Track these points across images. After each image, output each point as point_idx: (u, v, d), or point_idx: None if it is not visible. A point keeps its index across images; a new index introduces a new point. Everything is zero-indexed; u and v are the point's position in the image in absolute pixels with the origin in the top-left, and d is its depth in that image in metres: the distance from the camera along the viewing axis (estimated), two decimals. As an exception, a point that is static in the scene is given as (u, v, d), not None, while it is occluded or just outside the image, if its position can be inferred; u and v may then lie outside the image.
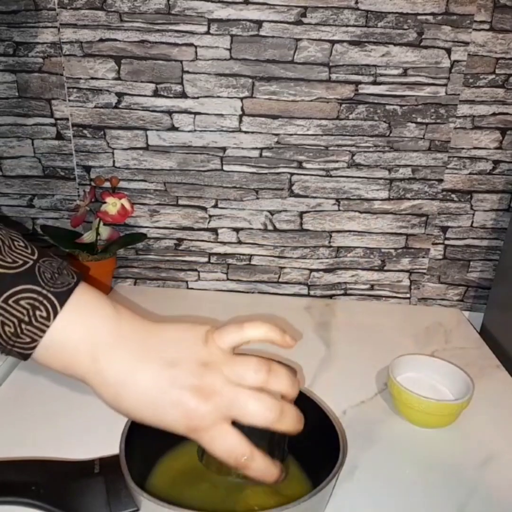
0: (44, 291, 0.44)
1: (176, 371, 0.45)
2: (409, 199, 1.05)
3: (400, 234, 1.08)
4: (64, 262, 0.47)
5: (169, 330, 0.49)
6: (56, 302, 0.44)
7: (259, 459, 0.46)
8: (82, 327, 0.45)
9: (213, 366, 0.46)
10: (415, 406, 0.72)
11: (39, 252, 0.46)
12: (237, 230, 1.09)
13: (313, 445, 0.61)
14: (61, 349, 0.45)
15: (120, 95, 0.99)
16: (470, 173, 1.03)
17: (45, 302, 0.44)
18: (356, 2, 0.92)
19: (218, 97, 0.99)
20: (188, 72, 0.97)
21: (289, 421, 0.47)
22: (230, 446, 0.45)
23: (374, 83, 0.97)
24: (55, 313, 0.44)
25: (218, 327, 0.50)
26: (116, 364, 0.45)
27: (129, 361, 0.45)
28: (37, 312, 0.43)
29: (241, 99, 0.99)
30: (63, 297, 0.45)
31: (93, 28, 0.95)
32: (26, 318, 0.43)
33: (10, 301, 0.43)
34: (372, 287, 1.13)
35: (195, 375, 0.45)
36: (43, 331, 0.44)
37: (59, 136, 1.03)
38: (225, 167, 1.04)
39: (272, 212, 1.07)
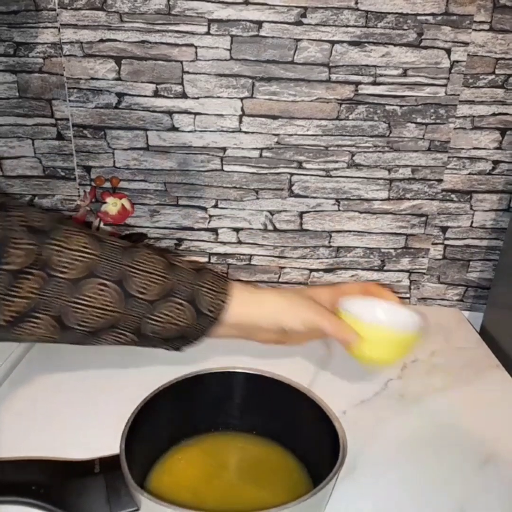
0: (216, 272, 0.60)
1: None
2: (408, 199, 1.05)
3: (400, 234, 1.08)
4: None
5: None
6: (224, 276, 0.60)
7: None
8: (243, 285, 0.61)
9: None
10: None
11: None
12: (237, 230, 1.09)
13: (313, 445, 0.62)
14: (240, 299, 0.59)
15: (120, 95, 0.99)
16: (469, 173, 1.03)
17: (220, 278, 0.59)
18: (356, 3, 0.92)
19: (218, 97, 0.99)
20: (188, 72, 0.97)
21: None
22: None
23: (374, 83, 0.97)
24: (228, 280, 0.60)
25: None
26: (271, 296, 0.62)
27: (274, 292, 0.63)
28: (219, 283, 0.58)
29: (241, 99, 0.99)
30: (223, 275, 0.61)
31: (94, 29, 0.95)
32: (215, 288, 0.58)
33: (204, 280, 0.57)
34: (372, 287, 1.13)
35: None
36: (229, 293, 0.58)
37: (59, 137, 1.03)
38: (225, 167, 1.04)
39: (272, 212, 1.07)
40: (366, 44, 0.95)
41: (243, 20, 0.94)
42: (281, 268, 1.12)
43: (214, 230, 1.09)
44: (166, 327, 0.55)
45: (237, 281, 0.62)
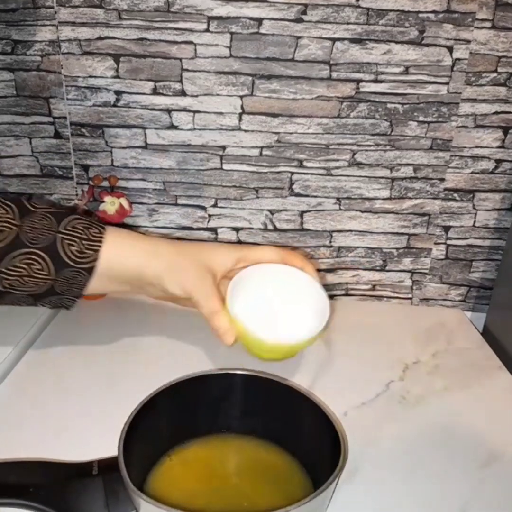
0: (88, 219, 0.56)
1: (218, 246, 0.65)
2: (410, 198, 1.05)
3: (402, 233, 1.07)
4: None
5: None
6: (101, 223, 0.57)
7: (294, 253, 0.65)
8: (127, 234, 0.59)
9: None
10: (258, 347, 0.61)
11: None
12: (237, 229, 1.08)
13: (314, 447, 0.61)
14: (120, 249, 0.56)
15: (118, 93, 0.98)
16: (472, 172, 1.02)
17: (94, 224, 0.56)
18: (357, 0, 0.91)
19: (218, 95, 0.98)
20: (187, 70, 0.96)
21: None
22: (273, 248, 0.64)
23: (375, 81, 0.96)
24: (104, 230, 0.56)
25: None
26: (166, 242, 0.61)
27: (169, 243, 0.61)
28: (91, 230, 0.55)
29: (241, 97, 0.98)
30: (105, 225, 0.57)
31: (92, 26, 0.94)
32: (84, 236, 0.54)
33: (68, 226, 0.54)
34: (373, 287, 1.12)
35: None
36: (101, 242, 0.55)
37: (57, 135, 1.02)
38: (225, 166, 1.03)
39: (272, 212, 1.06)
40: (367, 42, 0.94)
41: (243, 17, 0.93)
42: (282, 268, 1.11)
43: (214, 230, 1.08)
44: (22, 281, 0.53)
45: (121, 228, 0.59)
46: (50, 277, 0.53)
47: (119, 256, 0.56)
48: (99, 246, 0.54)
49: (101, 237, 0.55)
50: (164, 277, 0.57)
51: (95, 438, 0.63)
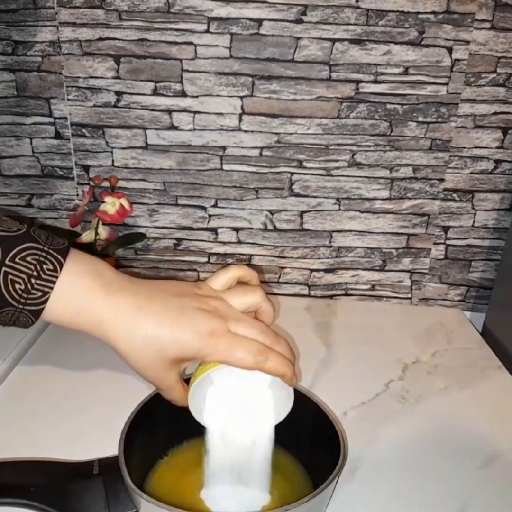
0: (46, 248, 0.47)
1: (184, 299, 0.50)
2: (410, 198, 1.05)
3: (401, 234, 1.07)
4: (50, 229, 0.51)
5: (164, 281, 0.54)
6: (59, 256, 0.47)
7: (275, 354, 0.50)
8: (88, 275, 0.48)
9: (212, 297, 0.52)
10: None
11: (27, 223, 0.49)
12: (237, 229, 1.08)
13: (313, 446, 0.61)
14: (72, 298, 0.47)
15: (119, 94, 0.98)
16: (471, 173, 1.03)
17: (49, 256, 0.46)
18: (357, 1, 0.92)
19: (218, 96, 0.98)
20: (187, 70, 0.97)
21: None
22: (247, 346, 0.49)
23: (375, 82, 0.97)
24: (61, 265, 0.46)
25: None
26: (129, 297, 0.48)
27: (138, 298, 0.49)
28: (44, 266, 0.46)
29: (241, 98, 0.98)
30: (64, 252, 0.47)
31: (92, 27, 0.94)
32: (35, 273, 0.45)
33: (16, 259, 0.45)
34: (373, 287, 1.13)
35: (201, 302, 0.50)
36: (53, 283, 0.46)
37: (57, 135, 1.02)
38: (225, 167, 1.03)
39: (272, 212, 1.07)
40: (367, 42, 0.94)
41: (243, 18, 0.93)
42: (281, 268, 1.12)
43: (214, 230, 1.09)
44: None
45: (86, 259, 0.49)
46: None
47: (70, 305, 0.47)
48: (50, 288, 0.46)
49: (55, 276, 0.46)
50: (119, 349, 0.48)
51: (95, 437, 0.63)
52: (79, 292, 0.47)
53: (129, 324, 0.47)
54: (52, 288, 0.46)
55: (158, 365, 0.49)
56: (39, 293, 0.46)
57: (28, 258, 0.45)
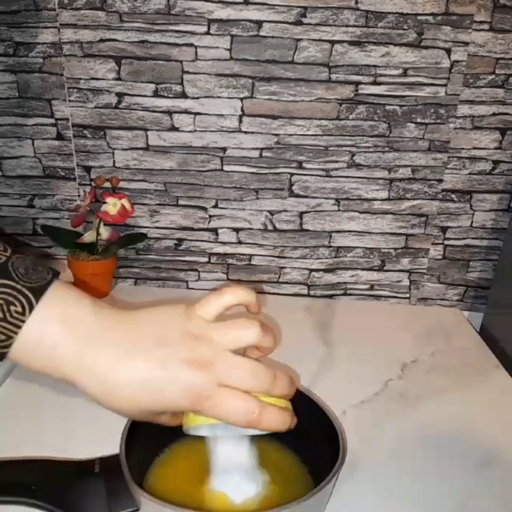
0: (19, 286, 0.42)
1: (166, 349, 0.44)
2: (409, 199, 1.05)
3: (400, 234, 1.08)
4: (38, 259, 0.46)
5: (149, 313, 0.48)
6: (31, 296, 0.42)
7: (269, 411, 0.45)
8: (60, 321, 0.43)
9: (202, 337, 0.45)
10: None
11: (12, 249, 0.44)
12: (237, 230, 1.09)
13: (313, 445, 0.61)
14: (39, 345, 0.43)
15: (120, 95, 0.99)
16: (470, 173, 1.03)
17: (19, 297, 0.42)
18: (356, 2, 0.92)
19: (218, 97, 0.99)
20: (188, 72, 0.97)
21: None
22: (238, 407, 0.44)
23: (374, 83, 0.97)
24: (31, 308, 0.42)
25: (195, 302, 0.49)
26: (103, 355, 0.43)
27: (116, 349, 0.44)
28: (12, 308, 0.42)
29: (241, 99, 0.99)
30: (39, 292, 0.43)
31: (93, 28, 0.95)
32: (0, 315, 0.41)
33: None
34: (372, 287, 1.13)
35: (186, 348, 0.44)
36: (19, 327, 0.42)
37: (59, 136, 1.03)
38: (225, 167, 1.04)
39: (272, 212, 1.07)
40: (366, 44, 0.95)
41: (243, 20, 0.94)
42: (281, 268, 1.12)
43: (214, 230, 1.09)
44: None
45: (63, 298, 0.44)
46: None
47: (37, 355, 0.43)
48: (14, 333, 0.42)
49: (22, 320, 0.42)
50: (102, 405, 0.46)
51: (96, 436, 0.63)
52: (45, 344, 0.43)
53: (106, 384, 0.44)
54: (16, 333, 0.42)
55: (143, 415, 0.47)
56: (3, 337, 0.42)
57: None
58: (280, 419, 0.46)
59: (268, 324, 0.49)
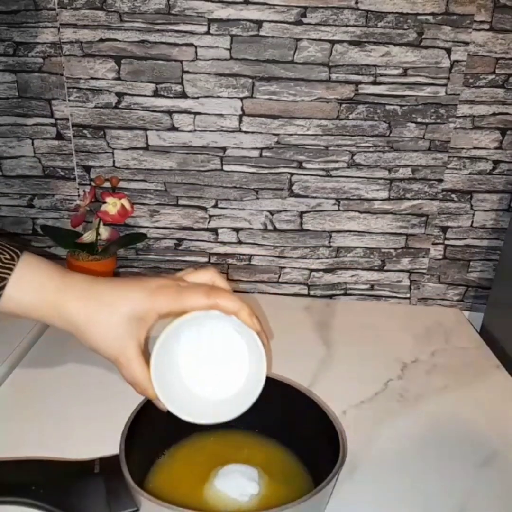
0: (2, 243, 0.51)
1: (134, 277, 0.55)
2: (409, 199, 1.05)
3: (400, 234, 1.08)
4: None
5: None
6: (15, 249, 0.51)
7: (222, 291, 0.53)
8: (44, 262, 0.52)
9: (170, 278, 0.57)
10: None
11: None
12: (237, 230, 1.09)
13: (313, 445, 0.62)
14: (30, 281, 0.50)
15: (120, 95, 0.99)
16: (470, 173, 1.03)
17: (6, 249, 0.50)
18: (356, 2, 0.92)
19: (218, 97, 0.99)
20: (188, 72, 0.97)
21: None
22: (196, 288, 0.53)
23: (374, 83, 0.97)
24: (18, 256, 0.50)
25: None
26: (83, 276, 0.53)
27: (91, 279, 0.53)
28: (1, 256, 0.49)
29: (241, 99, 0.99)
30: (19, 249, 0.51)
31: (93, 28, 0.95)
32: None
33: None
34: (372, 287, 1.13)
35: (157, 278, 0.55)
36: (11, 269, 0.49)
37: (59, 136, 1.03)
38: (225, 167, 1.04)
39: (272, 212, 1.07)
40: (366, 44, 0.95)
41: (243, 20, 0.94)
42: (281, 268, 1.12)
43: (214, 230, 1.09)
44: None
45: (35, 257, 0.52)
46: None
47: (27, 291, 0.50)
48: (8, 274, 0.49)
49: (12, 264, 0.49)
50: (76, 332, 0.51)
51: (96, 436, 0.63)
52: (36, 278, 0.50)
53: (84, 293, 0.51)
54: (9, 274, 0.49)
55: (117, 331, 0.51)
56: None
57: None
58: (238, 302, 0.52)
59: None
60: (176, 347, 0.55)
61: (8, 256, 0.50)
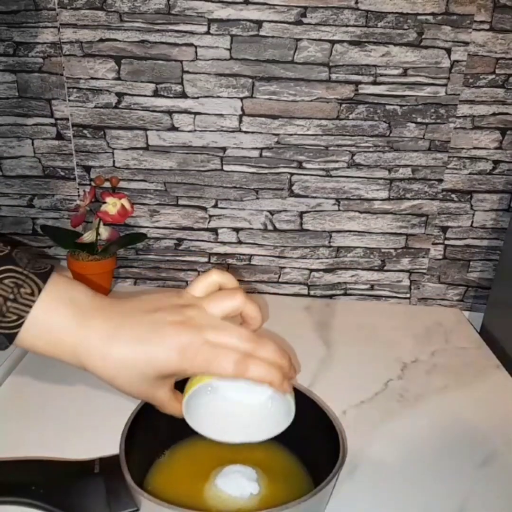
0: (25, 271, 0.46)
1: (155, 315, 0.48)
2: (409, 199, 1.05)
3: (400, 234, 1.08)
4: (35, 253, 0.50)
5: (142, 297, 0.52)
6: (38, 280, 0.46)
7: (255, 359, 0.47)
8: (64, 300, 0.47)
9: (191, 305, 0.49)
10: None
11: (11, 244, 0.48)
12: (237, 230, 1.09)
13: (313, 445, 0.62)
14: (46, 324, 0.46)
15: (120, 95, 0.99)
16: (470, 173, 1.03)
17: (27, 280, 0.46)
18: (356, 2, 0.92)
19: (218, 97, 0.99)
20: (188, 72, 0.97)
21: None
22: (225, 355, 0.46)
23: (374, 83, 0.97)
24: (39, 290, 0.46)
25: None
26: (101, 324, 0.47)
27: (109, 322, 0.47)
28: (22, 290, 0.45)
29: (241, 99, 0.99)
30: (43, 277, 0.47)
31: (93, 28, 0.95)
32: (11, 296, 0.44)
33: None
34: (372, 287, 1.13)
35: (175, 313, 0.48)
36: (29, 307, 0.45)
37: (59, 136, 1.03)
38: (225, 167, 1.04)
39: (272, 212, 1.07)
40: (366, 44, 0.95)
41: (243, 20, 0.94)
42: (281, 268, 1.12)
43: (214, 230, 1.09)
44: None
45: (66, 283, 0.49)
46: None
47: (44, 332, 0.46)
48: (26, 312, 0.45)
49: (32, 300, 0.45)
50: (100, 376, 0.48)
51: (96, 436, 0.63)
52: (54, 319, 0.46)
53: (103, 352, 0.46)
54: (27, 312, 0.45)
55: (143, 386, 0.48)
56: (14, 317, 0.45)
57: (6, 281, 0.45)
58: (269, 370, 0.47)
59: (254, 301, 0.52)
60: (208, 394, 0.52)
61: (28, 291, 0.46)
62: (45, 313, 0.46)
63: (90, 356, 0.47)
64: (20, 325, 0.45)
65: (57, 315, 0.46)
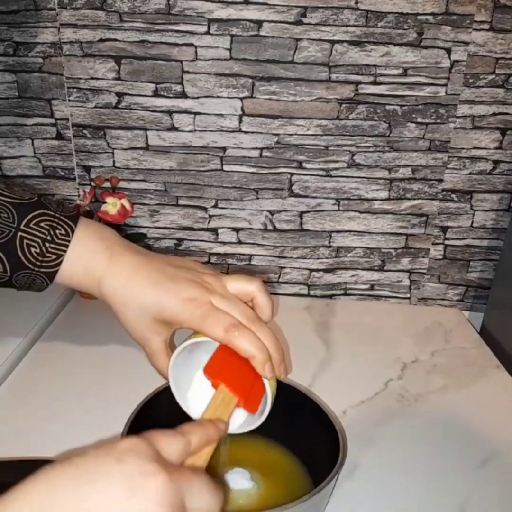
0: (57, 214, 0.51)
1: (179, 269, 0.53)
2: (409, 199, 1.05)
3: (400, 234, 1.08)
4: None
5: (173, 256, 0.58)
6: (70, 222, 0.52)
7: (247, 331, 0.49)
8: (96, 238, 0.53)
9: (211, 275, 0.54)
10: None
11: (38, 193, 0.56)
12: (237, 230, 1.09)
13: (313, 445, 0.62)
14: (82, 257, 0.52)
15: (120, 95, 0.99)
16: (470, 173, 1.03)
17: (61, 223, 0.51)
18: (356, 2, 0.92)
19: (218, 97, 0.99)
20: (188, 72, 0.97)
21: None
22: (222, 318, 0.49)
23: (374, 83, 0.97)
24: (72, 230, 0.51)
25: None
26: (128, 260, 0.52)
27: (138, 256, 0.53)
28: (57, 231, 0.51)
29: (241, 99, 0.99)
30: (74, 219, 0.52)
31: (93, 28, 0.95)
32: (49, 237, 0.50)
33: (31, 224, 0.50)
34: (372, 287, 1.13)
35: (195, 275, 0.52)
36: (66, 246, 0.51)
37: (59, 136, 1.03)
38: (225, 167, 1.04)
39: (272, 212, 1.07)
40: (366, 44, 0.95)
41: (243, 20, 0.94)
42: (281, 268, 1.12)
43: (214, 230, 1.09)
44: None
45: (91, 224, 0.54)
46: (6, 274, 0.51)
47: (79, 267, 0.52)
48: (64, 251, 0.51)
49: (68, 240, 0.51)
50: (111, 309, 0.53)
51: (96, 436, 0.63)
52: (88, 254, 0.51)
53: (123, 282, 0.51)
54: (65, 252, 0.51)
55: (143, 324, 0.51)
56: (53, 256, 0.50)
57: (42, 224, 0.50)
58: (258, 345, 0.49)
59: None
60: (197, 355, 0.54)
61: (63, 232, 0.51)
62: (79, 251, 0.51)
63: (110, 286, 0.51)
64: (59, 264, 0.51)
65: (90, 251, 0.52)
